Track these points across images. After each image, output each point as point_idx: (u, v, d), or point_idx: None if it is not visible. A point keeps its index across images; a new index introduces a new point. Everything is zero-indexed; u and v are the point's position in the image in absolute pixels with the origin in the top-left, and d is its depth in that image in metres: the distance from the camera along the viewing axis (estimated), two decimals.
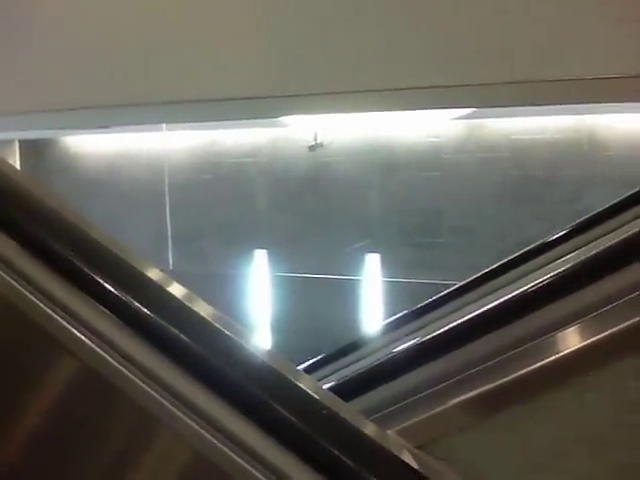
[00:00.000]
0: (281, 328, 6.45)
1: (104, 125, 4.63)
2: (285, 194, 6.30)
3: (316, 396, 0.91)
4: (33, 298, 0.83)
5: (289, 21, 3.61)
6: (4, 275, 0.84)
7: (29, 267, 0.86)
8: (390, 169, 5.91)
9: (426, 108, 4.03)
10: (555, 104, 3.69)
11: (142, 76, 3.96)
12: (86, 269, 0.87)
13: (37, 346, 0.84)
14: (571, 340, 1.39)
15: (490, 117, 5.53)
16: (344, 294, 6.17)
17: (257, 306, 6.51)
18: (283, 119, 4.83)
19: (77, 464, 0.84)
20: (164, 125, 5.65)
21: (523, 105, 3.87)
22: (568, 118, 5.36)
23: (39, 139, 6.98)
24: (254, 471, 0.79)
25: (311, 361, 2.93)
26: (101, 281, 0.86)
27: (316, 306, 6.27)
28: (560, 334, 1.39)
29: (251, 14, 3.72)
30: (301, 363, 2.99)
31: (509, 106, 4.03)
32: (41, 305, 0.83)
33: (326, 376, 2.58)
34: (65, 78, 4.16)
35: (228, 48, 3.74)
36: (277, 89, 3.63)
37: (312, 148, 5.97)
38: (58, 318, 0.83)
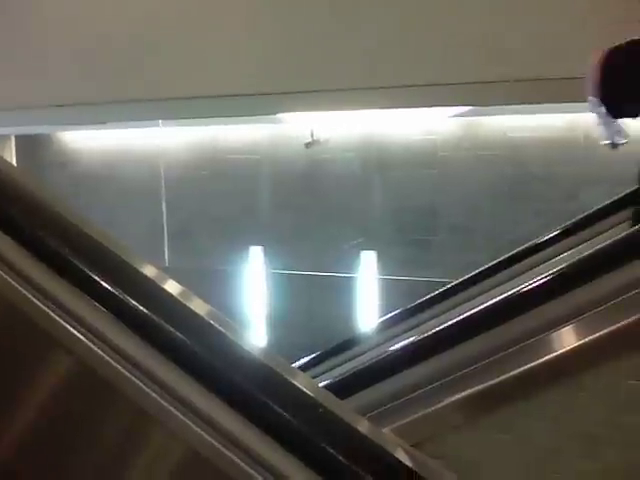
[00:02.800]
0: (277, 325, 6.44)
1: (101, 121, 4.62)
2: (281, 191, 6.29)
3: (311, 394, 0.91)
4: (27, 294, 0.83)
5: (286, 19, 3.61)
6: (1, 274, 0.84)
7: (24, 263, 0.85)
8: (386, 166, 5.91)
9: (423, 106, 4.03)
10: (552, 102, 3.69)
11: (139, 73, 3.96)
12: (81, 265, 0.87)
13: (31, 342, 0.84)
14: (567, 339, 1.39)
15: (487, 115, 5.52)
16: (340, 291, 6.17)
17: (253, 303, 6.50)
18: (280, 116, 4.82)
19: (74, 462, 0.84)
20: (160, 121, 5.63)
21: (520, 103, 3.87)
22: (564, 116, 5.36)
23: (35, 135, 6.95)
24: (247, 468, 0.79)
25: (307, 358, 2.93)
26: (96, 277, 0.86)
27: (312, 303, 6.27)
28: (556, 333, 1.39)
29: (248, 12, 3.72)
30: (297, 360, 3.00)
31: (506, 104, 4.03)
32: (35, 301, 0.83)
33: (322, 373, 2.58)
34: (62, 74, 4.15)
35: (225, 45, 3.74)
36: (274, 86, 3.63)
37: (308, 145, 5.95)
38: (52, 314, 0.82)
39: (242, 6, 3.71)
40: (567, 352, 1.36)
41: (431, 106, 4.05)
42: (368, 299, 6.10)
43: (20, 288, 0.83)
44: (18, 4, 4.35)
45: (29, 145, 7.07)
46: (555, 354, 1.35)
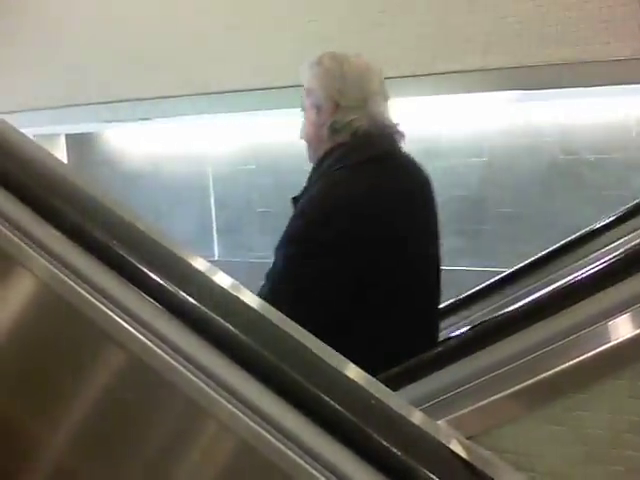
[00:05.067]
0: None
1: (145, 117, 4.67)
2: None
3: (364, 386, 0.90)
4: (81, 290, 0.84)
5: (327, 9, 3.60)
6: (51, 267, 0.85)
7: (77, 259, 0.86)
8: (433, 156, 5.84)
9: (468, 92, 3.97)
10: (604, 85, 3.61)
11: (183, 68, 3.99)
12: (133, 260, 0.87)
13: (85, 337, 0.85)
14: (623, 328, 1.35)
15: (535, 100, 5.43)
16: None
17: None
18: None
19: (129, 457, 0.85)
20: (206, 116, 5.67)
21: (570, 87, 3.79)
22: (616, 101, 5.24)
23: (84, 133, 7.07)
24: (300, 460, 0.78)
25: None
26: (147, 272, 0.86)
27: None
28: (612, 322, 1.36)
29: (289, 3, 3.71)
30: None
31: (555, 88, 3.95)
32: (87, 295, 0.83)
33: None
34: (107, 72, 4.20)
35: (267, 38, 3.74)
36: None
37: None
38: (105, 309, 0.83)
39: None
40: (624, 341, 1.32)
41: (477, 92, 3.99)
42: None
43: (72, 283, 0.84)
44: (60, 4, 4.41)
45: (79, 144, 7.19)
46: (612, 344, 1.32)
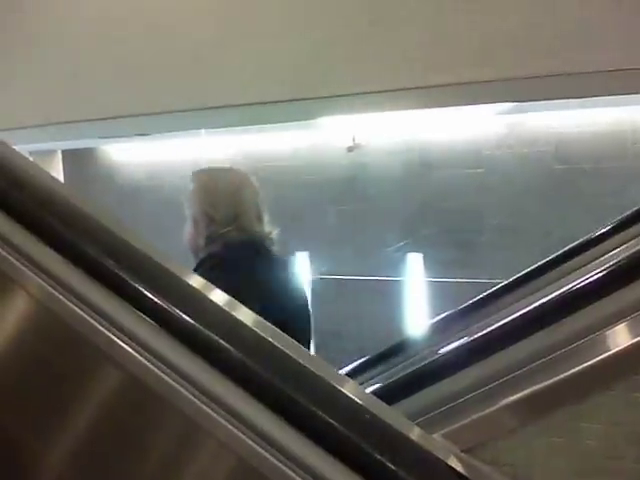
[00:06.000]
0: (323, 330, 6.44)
1: (143, 132, 4.68)
2: (325, 196, 6.29)
3: (358, 400, 0.89)
4: (71, 305, 0.84)
5: (322, 22, 3.61)
6: (46, 285, 0.85)
7: (72, 278, 0.86)
8: (429, 167, 5.86)
9: (464, 104, 3.99)
10: (597, 96, 3.62)
11: (177, 83, 3.99)
12: (127, 277, 0.87)
13: (83, 357, 0.85)
14: (620, 338, 1.35)
15: (530, 111, 5.45)
16: (387, 295, 6.14)
17: None
18: (320, 122, 4.82)
19: (121, 472, 0.84)
20: (203, 131, 5.68)
21: (564, 98, 3.80)
22: (611, 110, 5.26)
23: (81, 149, 7.08)
24: (295, 476, 0.78)
25: (354, 364, 2.92)
26: (142, 289, 0.86)
27: (358, 307, 6.25)
28: (608, 332, 1.35)
29: (285, 17, 3.72)
30: (345, 366, 2.98)
31: (549, 99, 3.97)
32: (79, 312, 0.83)
33: (370, 379, 2.57)
34: (104, 87, 4.21)
35: (264, 52, 3.75)
36: (313, 91, 3.62)
37: (350, 149, 5.95)
38: (97, 325, 0.83)
39: (279, 13, 3.72)
40: (621, 352, 1.32)
41: (473, 104, 4.01)
42: (415, 302, 6.06)
43: (65, 300, 0.84)
44: (57, 16, 4.42)
45: (76, 159, 7.21)
46: (609, 354, 1.32)
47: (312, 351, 2.41)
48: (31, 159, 1.10)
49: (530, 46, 3.21)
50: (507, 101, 4.05)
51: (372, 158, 6.04)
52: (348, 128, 5.81)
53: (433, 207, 5.95)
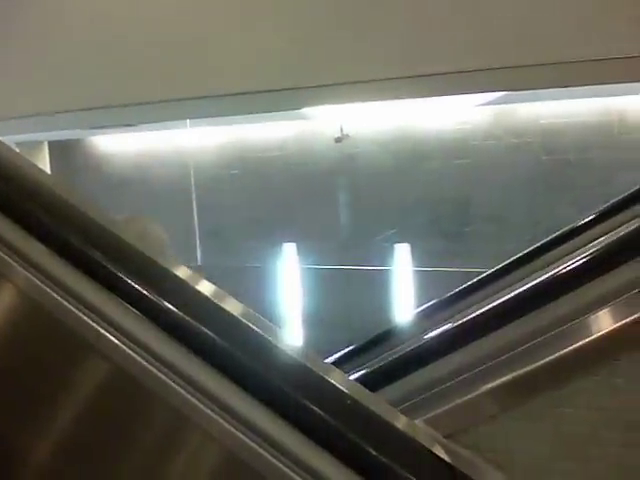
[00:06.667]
0: (312, 321, 6.45)
1: (129, 123, 4.66)
2: (313, 186, 6.28)
3: (340, 387, 0.90)
4: (58, 297, 0.84)
5: (308, 11, 3.59)
6: (32, 278, 0.85)
7: (57, 269, 0.86)
8: (418, 158, 5.87)
9: (452, 94, 3.98)
10: (585, 85, 3.62)
11: (164, 73, 3.97)
12: (113, 268, 0.87)
13: (67, 347, 0.85)
14: (600, 324, 1.36)
15: (518, 102, 5.45)
16: (374, 285, 6.15)
17: (287, 299, 6.51)
18: (308, 112, 4.81)
19: (112, 466, 0.84)
20: (188, 122, 5.65)
21: (551, 87, 3.80)
22: (598, 101, 5.27)
23: (67, 140, 7.04)
24: (277, 463, 0.78)
25: (341, 353, 2.92)
26: (128, 280, 0.86)
27: (347, 297, 6.26)
28: (588, 319, 1.36)
29: (272, 6, 3.70)
30: (331, 355, 2.99)
31: (537, 88, 3.96)
32: (66, 304, 0.83)
33: (357, 367, 2.57)
34: (89, 77, 4.18)
35: (248, 41, 3.73)
36: (299, 80, 3.61)
37: (338, 140, 5.94)
38: (85, 318, 0.83)
39: (265, 1, 3.71)
40: (601, 338, 1.33)
41: (460, 93, 4.00)
42: (403, 291, 6.07)
43: (52, 292, 0.84)
44: (44, 6, 4.39)
45: (62, 151, 7.17)
46: (588, 340, 1.33)
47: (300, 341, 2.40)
48: (17, 150, 1.09)
49: (518, 35, 3.21)
50: (495, 90, 4.05)
51: (360, 149, 6.04)
52: (336, 119, 5.80)
53: (421, 197, 5.96)
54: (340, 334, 5.79)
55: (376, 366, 1.78)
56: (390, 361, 1.69)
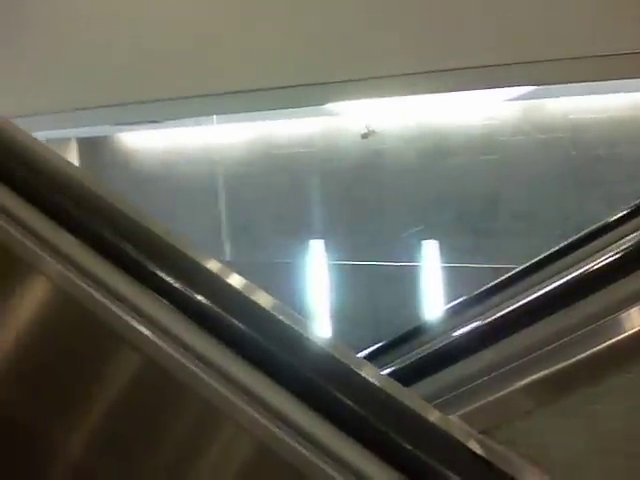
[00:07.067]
0: (340, 317, 6.45)
1: (154, 119, 4.68)
2: (339, 183, 6.29)
3: (374, 381, 0.89)
4: (91, 290, 0.84)
5: (336, 5, 3.59)
6: (66, 272, 0.85)
7: (91, 263, 0.86)
8: (445, 154, 5.85)
9: (479, 88, 3.96)
10: (614, 79, 3.59)
11: (190, 69, 3.99)
12: (146, 262, 0.87)
13: (101, 341, 0.85)
14: (633, 322, 1.34)
15: (546, 97, 5.41)
16: (402, 281, 6.14)
17: (315, 295, 6.52)
18: (334, 108, 4.81)
19: (142, 459, 0.85)
20: (215, 118, 5.68)
21: (582, 81, 3.77)
22: (626, 95, 5.22)
23: (95, 137, 7.11)
24: (315, 459, 0.78)
25: (371, 349, 2.92)
26: (161, 274, 0.86)
27: (374, 294, 6.25)
28: (625, 314, 1.34)
29: (294, 1, 3.70)
30: (360, 351, 2.98)
31: (566, 83, 3.93)
32: (100, 297, 0.83)
33: (387, 363, 2.56)
34: (116, 74, 4.21)
35: (273, 37, 3.74)
36: (323, 76, 3.61)
37: (365, 136, 5.94)
38: (118, 311, 0.83)
39: None
40: (633, 335, 1.31)
41: (488, 88, 3.98)
42: (431, 288, 6.05)
43: (85, 286, 0.84)
44: (68, 4, 4.43)
45: (90, 147, 7.24)
46: (627, 335, 1.31)
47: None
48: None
49: (546, 29, 3.18)
50: (523, 84, 4.02)
51: (387, 145, 6.03)
52: (362, 115, 5.79)
53: (448, 194, 5.94)
54: (367, 330, 5.80)
55: (407, 362, 1.78)
56: (420, 357, 1.69)
